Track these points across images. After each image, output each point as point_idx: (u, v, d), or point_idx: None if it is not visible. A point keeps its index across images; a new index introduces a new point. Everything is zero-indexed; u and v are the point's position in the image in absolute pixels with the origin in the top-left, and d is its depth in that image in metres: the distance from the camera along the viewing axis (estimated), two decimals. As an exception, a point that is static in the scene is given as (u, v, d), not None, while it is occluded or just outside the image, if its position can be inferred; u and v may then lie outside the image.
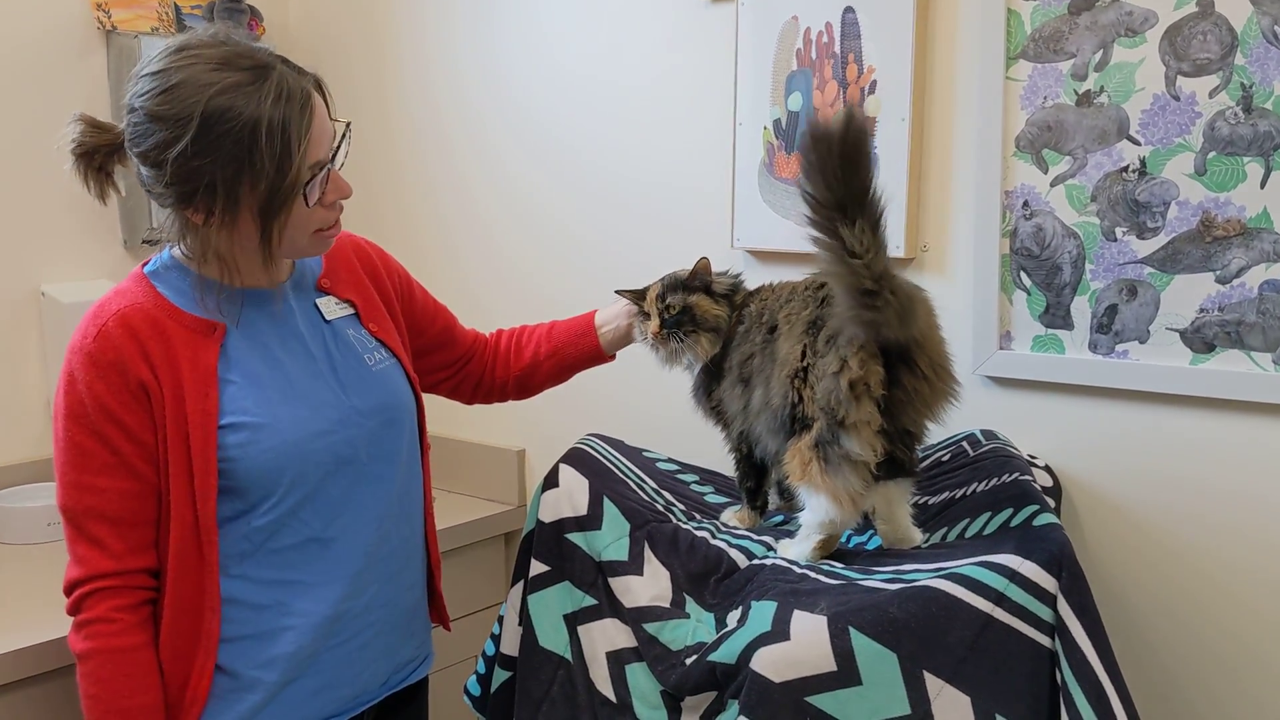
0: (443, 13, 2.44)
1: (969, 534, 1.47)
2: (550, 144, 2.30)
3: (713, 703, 1.32)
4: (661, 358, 1.64)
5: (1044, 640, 1.25)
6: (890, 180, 1.81)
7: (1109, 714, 1.21)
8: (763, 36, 1.94)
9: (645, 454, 1.81)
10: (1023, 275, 1.74)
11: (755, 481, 1.60)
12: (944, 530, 1.51)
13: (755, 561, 1.46)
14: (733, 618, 1.36)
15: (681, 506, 1.66)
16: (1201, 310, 1.61)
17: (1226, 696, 1.64)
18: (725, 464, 1.69)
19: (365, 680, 1.49)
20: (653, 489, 1.68)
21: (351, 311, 1.53)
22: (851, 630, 1.21)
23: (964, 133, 1.78)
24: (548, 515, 1.56)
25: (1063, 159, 1.69)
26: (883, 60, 1.82)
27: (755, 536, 1.54)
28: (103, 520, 1.33)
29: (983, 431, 1.74)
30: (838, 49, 1.86)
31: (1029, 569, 1.26)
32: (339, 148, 1.38)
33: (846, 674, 1.20)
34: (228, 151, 1.28)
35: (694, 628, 1.41)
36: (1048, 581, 1.26)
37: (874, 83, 1.83)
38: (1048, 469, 1.70)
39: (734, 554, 1.48)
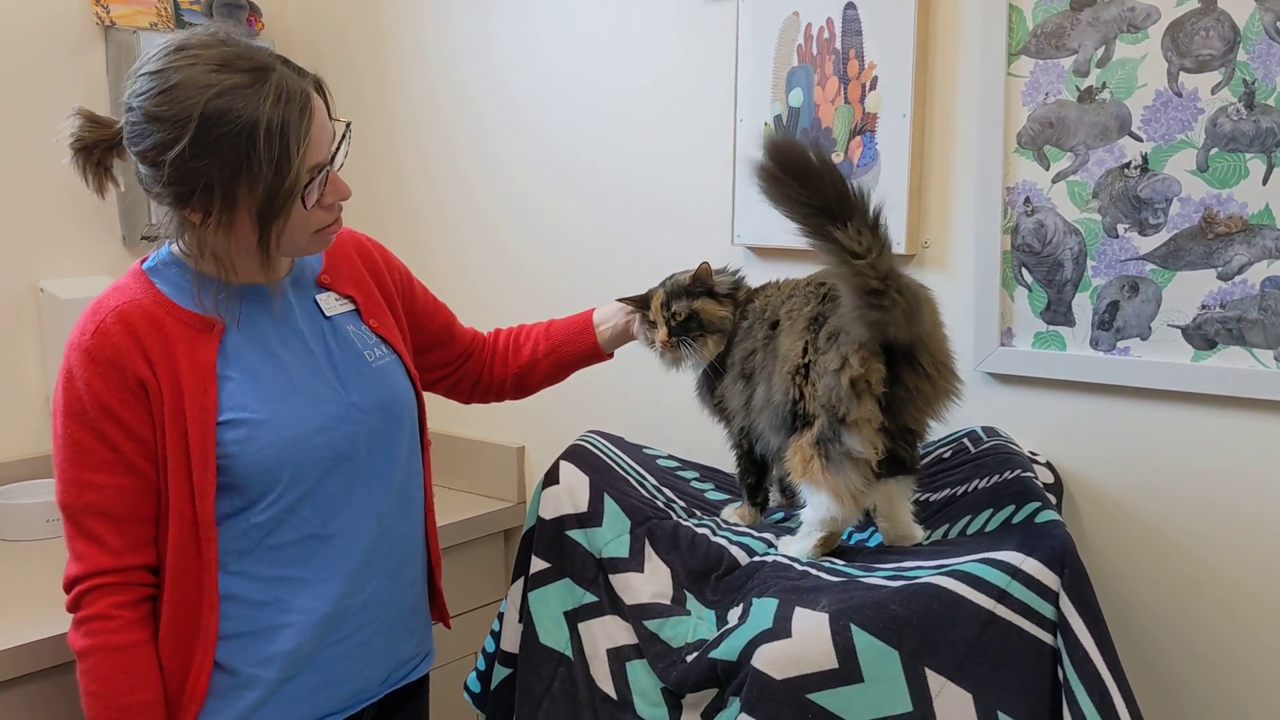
0: (442, 9, 2.43)
1: (970, 531, 1.47)
2: (551, 141, 2.30)
3: (714, 700, 1.32)
4: (668, 362, 1.64)
5: (1046, 637, 1.25)
6: (891, 177, 1.81)
7: (1111, 711, 1.21)
8: (763, 32, 1.93)
9: (645, 451, 1.81)
10: (1024, 272, 1.74)
11: (756, 478, 1.60)
12: (945, 527, 1.51)
13: (756, 558, 1.46)
14: (734, 615, 1.36)
15: (682, 503, 1.66)
16: (1203, 307, 1.60)
17: (1230, 692, 1.64)
18: (725, 461, 1.69)
19: (365, 677, 1.49)
20: (653, 486, 1.67)
21: (352, 308, 1.53)
22: (853, 627, 1.21)
23: (965, 129, 1.77)
24: (548, 512, 1.56)
25: (1064, 155, 1.69)
26: (884, 56, 1.81)
27: (756, 533, 1.54)
28: (102, 517, 1.33)
29: (984, 428, 1.74)
30: (839, 45, 1.86)
31: (1031, 566, 1.26)
32: (338, 149, 1.37)
33: (848, 671, 1.19)
34: (226, 154, 1.27)
35: (695, 625, 1.41)
36: (1050, 578, 1.26)
37: (875, 79, 1.82)
38: (1049, 466, 1.70)
39: (735, 551, 1.48)
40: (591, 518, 1.54)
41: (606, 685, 1.45)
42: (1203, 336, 1.61)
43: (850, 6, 1.84)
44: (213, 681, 1.37)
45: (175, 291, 1.38)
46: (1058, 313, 1.72)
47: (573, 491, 1.56)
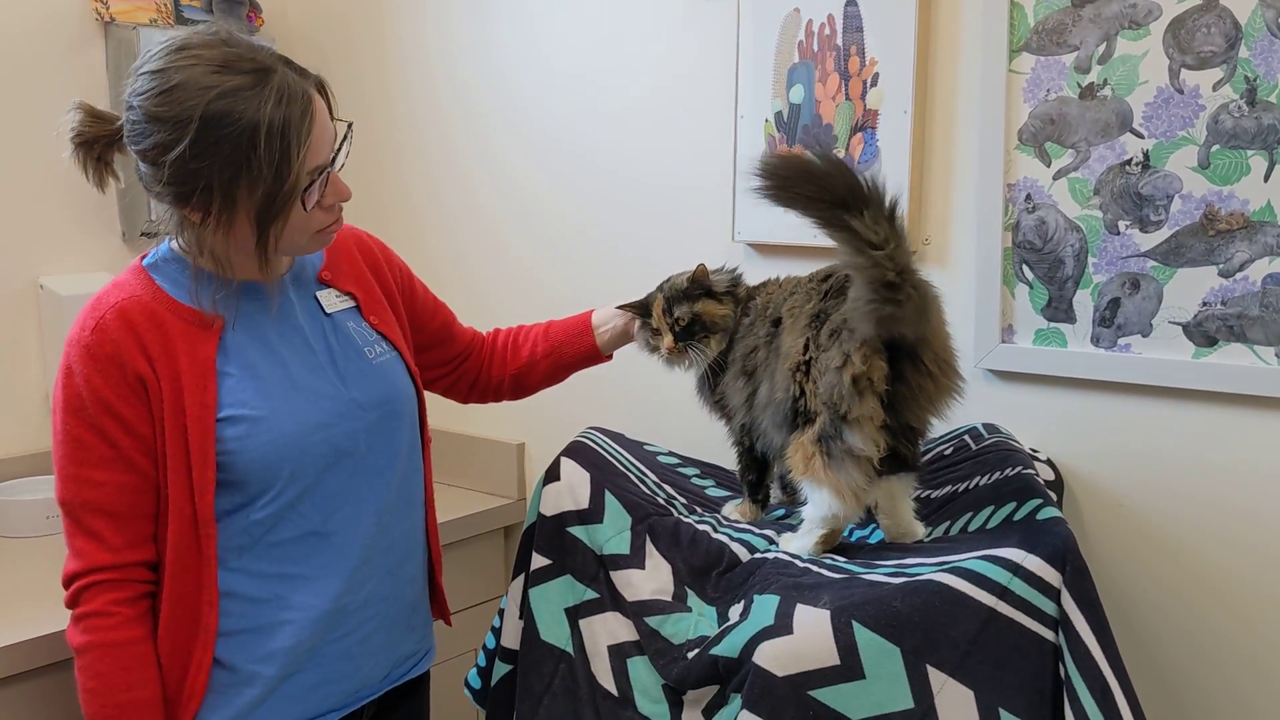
0: (441, 5, 2.43)
1: (972, 528, 1.47)
2: (551, 138, 2.29)
3: (715, 696, 1.32)
4: (669, 362, 1.63)
5: (1048, 634, 1.25)
6: (892, 173, 1.81)
7: (1113, 708, 1.21)
8: (764, 29, 1.93)
9: (646, 447, 1.81)
10: (1025, 269, 1.74)
11: (757, 475, 1.60)
12: (946, 524, 1.51)
13: (757, 555, 1.46)
14: (735, 611, 1.36)
15: (683, 500, 1.66)
16: (1204, 304, 1.60)
17: (1231, 688, 1.64)
18: (726, 458, 1.69)
19: (365, 674, 1.48)
20: (654, 482, 1.67)
21: (352, 304, 1.53)
22: (855, 624, 1.21)
23: (966, 126, 1.77)
24: (549, 508, 1.56)
25: (1066, 152, 1.68)
26: (885, 53, 1.81)
27: (757, 530, 1.54)
28: (101, 514, 1.33)
29: (985, 425, 1.74)
30: (840, 41, 1.85)
31: (1033, 563, 1.26)
32: (339, 150, 1.37)
33: (850, 668, 1.19)
34: (226, 156, 1.27)
35: (696, 621, 1.41)
36: (1051, 575, 1.26)
37: (876, 75, 1.82)
38: (1050, 463, 1.70)
39: (736, 548, 1.48)
40: (592, 514, 1.54)
41: (607, 682, 1.45)
42: (1204, 333, 1.61)
43: (851, 3, 1.84)
44: (213, 678, 1.37)
45: (175, 288, 1.37)
46: (1059, 310, 1.72)
47: (574, 488, 1.56)
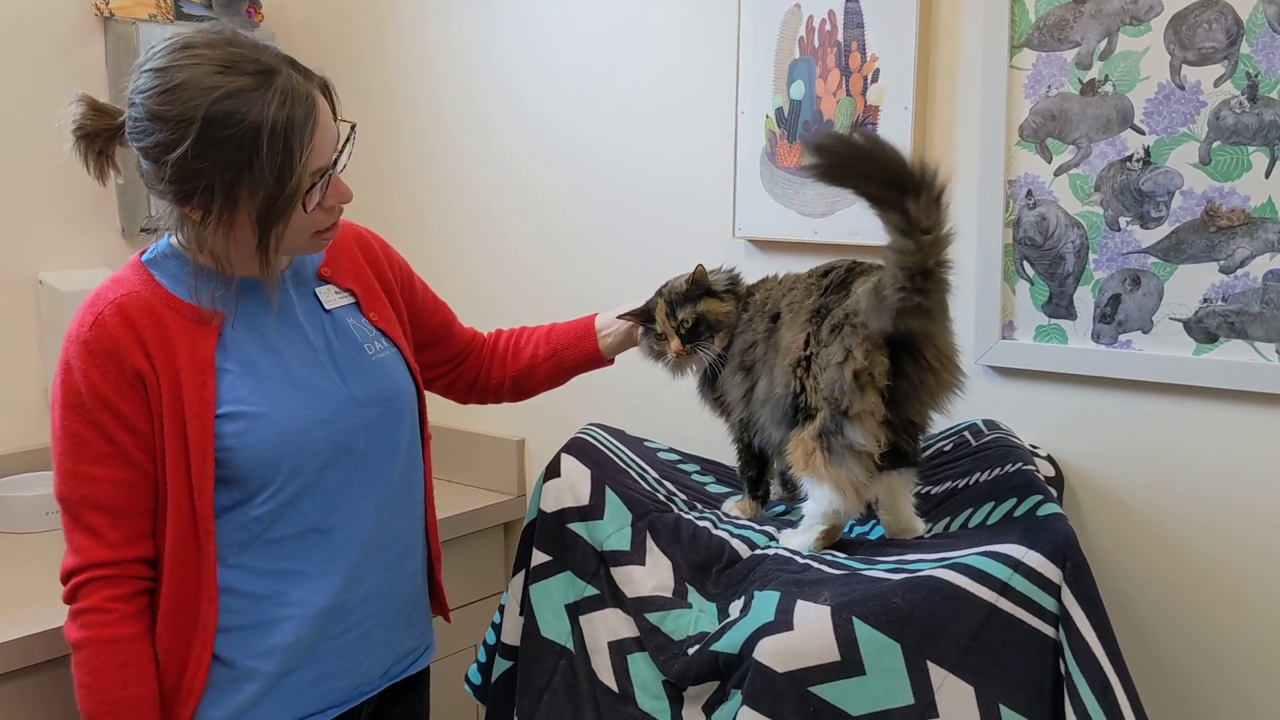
0: (442, 1, 2.42)
1: (972, 524, 1.47)
2: (551, 135, 2.29)
3: (715, 693, 1.32)
4: (679, 369, 1.63)
5: (1048, 630, 1.25)
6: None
7: (1113, 703, 1.21)
8: (765, 25, 1.93)
9: (646, 444, 1.81)
10: (1026, 265, 1.74)
11: (757, 471, 1.60)
12: (947, 520, 1.51)
13: (757, 551, 1.46)
14: (735, 608, 1.35)
15: (683, 497, 1.66)
16: (1205, 300, 1.60)
17: (1232, 684, 1.64)
18: (726, 454, 1.69)
19: (365, 671, 1.48)
20: (654, 479, 1.67)
21: (351, 301, 1.53)
22: (855, 620, 1.21)
23: (967, 122, 1.77)
24: (549, 505, 1.56)
25: (1066, 148, 1.68)
26: (886, 49, 1.81)
27: (757, 526, 1.54)
28: (99, 509, 1.33)
29: (985, 421, 1.74)
30: (840, 37, 1.85)
31: (1033, 559, 1.26)
32: (342, 151, 1.37)
33: (850, 664, 1.19)
34: (228, 157, 1.27)
35: (696, 618, 1.41)
36: (1052, 571, 1.26)
37: (877, 71, 1.82)
38: (1050, 459, 1.70)
39: (736, 544, 1.48)
40: (593, 510, 1.54)
41: (608, 678, 1.45)
42: (1204, 330, 1.61)
43: (852, -1, 1.84)
44: (212, 674, 1.37)
45: (174, 284, 1.37)
46: (1059, 306, 1.72)
47: (574, 484, 1.56)
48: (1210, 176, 1.58)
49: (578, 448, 1.63)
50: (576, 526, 1.54)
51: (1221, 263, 1.58)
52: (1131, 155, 1.63)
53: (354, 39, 2.59)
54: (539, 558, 1.55)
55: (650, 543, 1.51)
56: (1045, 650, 1.25)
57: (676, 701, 1.38)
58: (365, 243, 1.59)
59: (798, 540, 1.43)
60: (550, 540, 1.55)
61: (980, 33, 1.73)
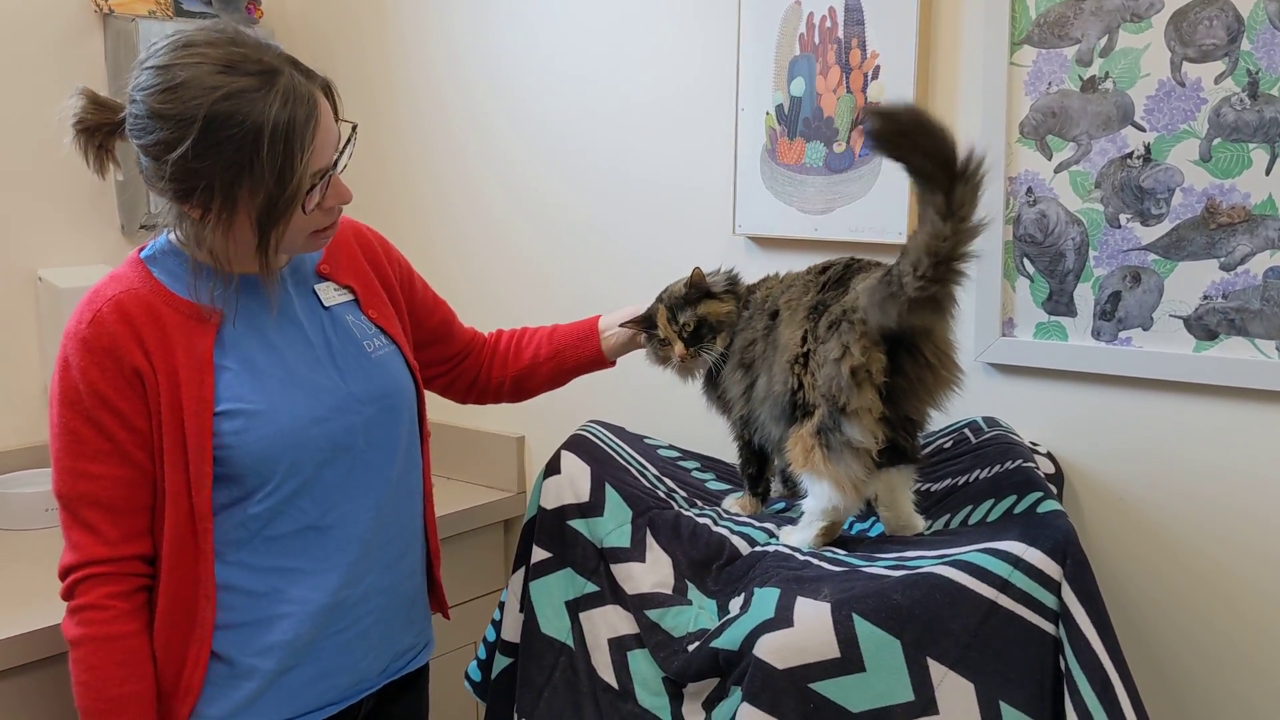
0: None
1: (972, 521, 1.47)
2: (552, 132, 2.29)
3: (715, 689, 1.32)
4: (684, 373, 1.63)
5: (1048, 627, 1.25)
6: (894, 166, 1.80)
7: (1113, 700, 1.21)
8: (765, 22, 1.93)
9: (646, 441, 1.81)
10: (1026, 262, 1.73)
11: (757, 468, 1.60)
12: (947, 517, 1.51)
13: (757, 548, 1.45)
14: (735, 604, 1.35)
15: (683, 493, 1.66)
16: (1205, 297, 1.60)
17: (1232, 682, 1.64)
18: (726, 451, 1.69)
19: (364, 668, 1.48)
20: (654, 476, 1.67)
21: (351, 298, 1.52)
22: (855, 617, 1.20)
23: (968, 119, 1.77)
24: (549, 502, 1.56)
25: (1067, 145, 1.68)
26: (886, 46, 1.81)
27: (757, 523, 1.54)
28: (97, 507, 1.33)
29: (985, 418, 1.74)
30: (841, 34, 1.85)
31: (1034, 556, 1.26)
32: (342, 152, 1.36)
33: (850, 660, 1.19)
34: (229, 157, 1.26)
35: (696, 614, 1.41)
36: (1052, 568, 1.26)
37: (877, 68, 1.82)
38: (1050, 456, 1.70)
39: (736, 541, 1.48)
40: (593, 507, 1.54)
41: (608, 675, 1.45)
42: (1204, 327, 1.61)
43: (852, -5, 1.83)
44: (210, 672, 1.37)
45: (173, 281, 1.37)
46: (1059, 303, 1.72)
47: (574, 481, 1.56)
48: (1210, 173, 1.58)
49: (578, 444, 1.63)
50: (577, 523, 1.54)
51: (1222, 260, 1.58)
52: (1132, 152, 1.63)
53: (354, 35, 2.59)
54: (539, 555, 1.55)
55: (650, 539, 1.51)
56: (1045, 647, 1.25)
57: (676, 698, 1.38)
58: (365, 239, 1.59)
59: (798, 537, 1.43)
60: (550, 537, 1.55)
61: (981, 29, 1.73)
